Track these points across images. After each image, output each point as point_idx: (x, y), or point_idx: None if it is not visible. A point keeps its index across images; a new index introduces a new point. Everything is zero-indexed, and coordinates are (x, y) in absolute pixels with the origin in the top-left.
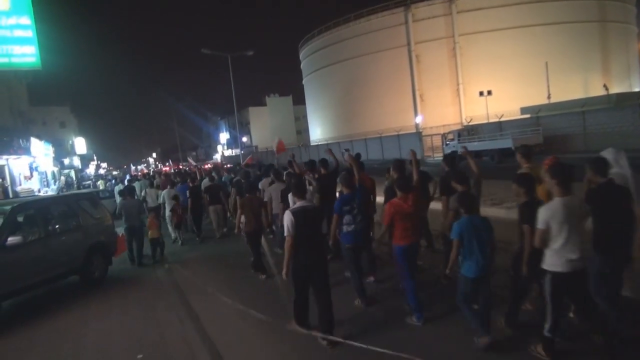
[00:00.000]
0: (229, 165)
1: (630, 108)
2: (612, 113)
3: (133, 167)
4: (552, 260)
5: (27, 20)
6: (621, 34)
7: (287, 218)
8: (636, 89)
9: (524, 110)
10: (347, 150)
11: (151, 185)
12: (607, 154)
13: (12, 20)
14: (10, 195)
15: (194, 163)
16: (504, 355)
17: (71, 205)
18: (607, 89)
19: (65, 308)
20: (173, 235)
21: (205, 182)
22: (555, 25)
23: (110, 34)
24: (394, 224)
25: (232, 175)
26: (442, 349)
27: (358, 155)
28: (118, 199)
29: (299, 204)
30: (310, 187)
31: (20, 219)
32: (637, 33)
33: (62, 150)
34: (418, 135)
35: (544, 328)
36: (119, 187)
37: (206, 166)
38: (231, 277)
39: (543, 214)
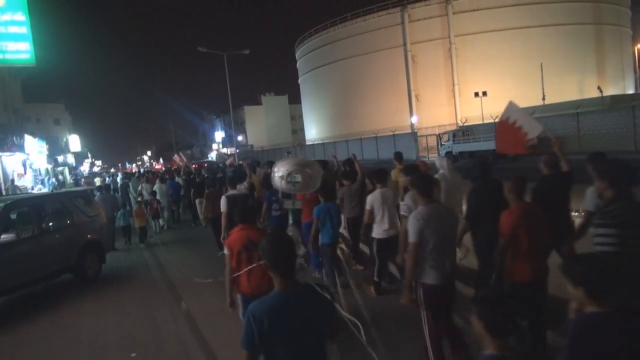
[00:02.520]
0: (205, 165)
1: (623, 110)
2: (606, 115)
3: (128, 165)
4: (376, 231)
5: (21, 16)
6: (616, 37)
7: (222, 200)
8: (630, 91)
9: None
10: (334, 156)
11: (147, 180)
12: (436, 160)
13: (6, 17)
14: (4, 193)
15: (184, 160)
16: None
17: (65, 203)
18: (601, 91)
19: (59, 306)
20: (153, 225)
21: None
22: (550, 27)
23: (105, 32)
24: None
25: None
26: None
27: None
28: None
29: (231, 191)
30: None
31: (13, 216)
32: (631, 36)
33: (56, 148)
34: (413, 135)
35: (374, 275)
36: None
37: (194, 165)
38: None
39: (370, 200)
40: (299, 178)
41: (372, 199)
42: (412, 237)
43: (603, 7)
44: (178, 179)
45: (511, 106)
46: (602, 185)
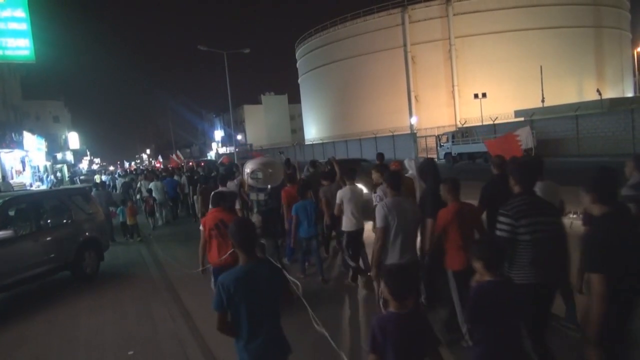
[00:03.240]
0: (202, 163)
1: (622, 113)
2: (605, 118)
3: (127, 164)
4: (345, 224)
5: (21, 12)
6: (615, 40)
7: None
8: (629, 94)
9: (517, 113)
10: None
11: (145, 178)
12: (405, 161)
13: (6, 13)
14: (2, 189)
15: (181, 158)
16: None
17: (63, 200)
18: (600, 93)
19: (57, 304)
20: (150, 222)
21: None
22: (550, 30)
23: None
24: None
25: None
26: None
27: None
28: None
29: (220, 188)
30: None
31: (11, 213)
32: (631, 39)
33: (55, 145)
34: (412, 136)
35: (349, 265)
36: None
37: (190, 163)
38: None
39: (340, 195)
40: (260, 175)
41: (342, 194)
42: (379, 223)
43: (603, 10)
44: (177, 177)
45: (524, 129)
46: (512, 182)
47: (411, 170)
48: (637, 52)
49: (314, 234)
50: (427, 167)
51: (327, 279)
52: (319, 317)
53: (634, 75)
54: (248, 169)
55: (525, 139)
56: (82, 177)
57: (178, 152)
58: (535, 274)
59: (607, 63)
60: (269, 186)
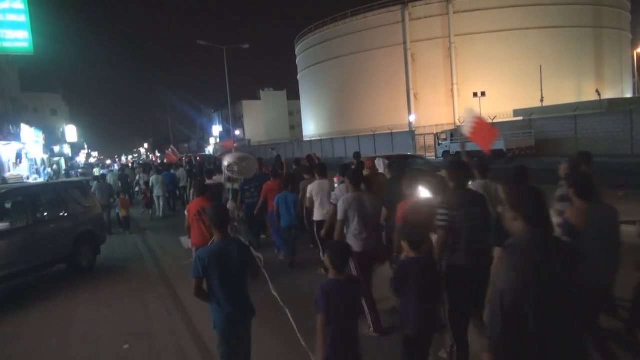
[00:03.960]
0: (198, 158)
1: (621, 114)
2: (604, 118)
3: (124, 158)
4: (315, 215)
5: (20, 4)
6: (615, 40)
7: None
8: (628, 95)
9: (516, 112)
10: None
11: (143, 171)
12: (376, 161)
13: (5, 5)
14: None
15: (177, 153)
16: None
17: (60, 193)
18: (599, 94)
19: (52, 297)
20: (148, 213)
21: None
22: (550, 29)
23: (105, 23)
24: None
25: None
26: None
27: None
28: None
29: (208, 181)
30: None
31: (7, 205)
32: (631, 40)
33: (52, 138)
34: (411, 134)
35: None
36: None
37: (185, 158)
38: None
39: (310, 188)
40: (235, 168)
41: (312, 188)
42: (339, 216)
43: (603, 10)
44: (173, 171)
45: (469, 111)
46: (447, 178)
47: (380, 169)
48: (637, 53)
49: (293, 223)
50: (394, 162)
51: (290, 259)
52: (277, 285)
53: (633, 76)
54: (225, 162)
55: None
56: (80, 171)
57: (173, 147)
58: (467, 256)
59: (607, 63)
60: (244, 178)
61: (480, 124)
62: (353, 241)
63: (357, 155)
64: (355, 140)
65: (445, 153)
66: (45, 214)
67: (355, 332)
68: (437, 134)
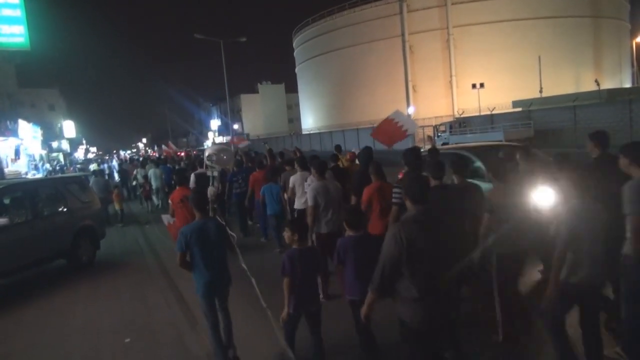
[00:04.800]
0: (195, 152)
1: (620, 104)
2: (603, 108)
3: (122, 153)
4: (296, 204)
5: None
6: (614, 30)
7: (191, 177)
8: (627, 85)
9: (515, 103)
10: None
11: (142, 165)
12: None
13: None
14: None
15: (173, 148)
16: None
17: (59, 188)
18: (598, 84)
19: (52, 291)
20: (148, 205)
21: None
22: (548, 20)
23: (102, 17)
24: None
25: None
26: None
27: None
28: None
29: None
30: None
31: (6, 200)
32: (629, 29)
33: (50, 134)
34: None
35: None
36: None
37: (180, 153)
38: None
39: (292, 180)
40: (214, 158)
41: (294, 179)
42: (310, 202)
43: (602, 0)
44: (169, 165)
45: (397, 113)
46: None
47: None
48: (635, 43)
49: (277, 211)
50: (362, 154)
51: (280, 246)
52: (247, 260)
53: (632, 66)
54: (207, 153)
55: (406, 122)
56: (78, 166)
57: (170, 143)
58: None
59: (606, 53)
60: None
61: (387, 124)
62: (323, 224)
63: (337, 148)
64: (354, 133)
65: (444, 145)
66: (44, 209)
67: (315, 291)
68: (435, 125)
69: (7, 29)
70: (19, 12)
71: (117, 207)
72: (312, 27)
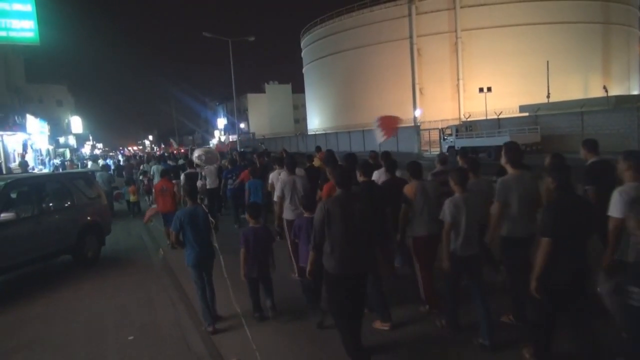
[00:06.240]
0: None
1: (628, 111)
2: (611, 115)
3: (125, 150)
4: (275, 197)
5: None
6: (623, 37)
7: (182, 176)
8: (635, 92)
9: (522, 108)
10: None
11: (147, 162)
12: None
13: None
14: (4, 172)
15: (175, 146)
16: None
17: (65, 183)
18: (606, 90)
19: (57, 287)
20: (148, 200)
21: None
22: (558, 25)
23: (111, 14)
24: None
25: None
26: None
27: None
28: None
29: (189, 170)
30: None
31: (13, 195)
32: (639, 36)
33: (58, 129)
34: (416, 129)
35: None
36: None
37: (181, 150)
38: None
39: (272, 177)
40: (203, 157)
41: (272, 177)
42: (277, 193)
43: (612, 6)
44: (170, 162)
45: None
46: (358, 174)
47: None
48: None
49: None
50: (327, 156)
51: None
52: (220, 238)
53: None
54: (196, 153)
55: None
56: (86, 162)
57: (172, 141)
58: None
59: (614, 60)
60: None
61: (385, 119)
62: (288, 212)
63: (317, 148)
64: (359, 134)
65: (450, 148)
66: (51, 204)
67: (266, 263)
68: (442, 129)
69: (17, 23)
70: (29, 7)
71: (132, 199)
72: (320, 28)
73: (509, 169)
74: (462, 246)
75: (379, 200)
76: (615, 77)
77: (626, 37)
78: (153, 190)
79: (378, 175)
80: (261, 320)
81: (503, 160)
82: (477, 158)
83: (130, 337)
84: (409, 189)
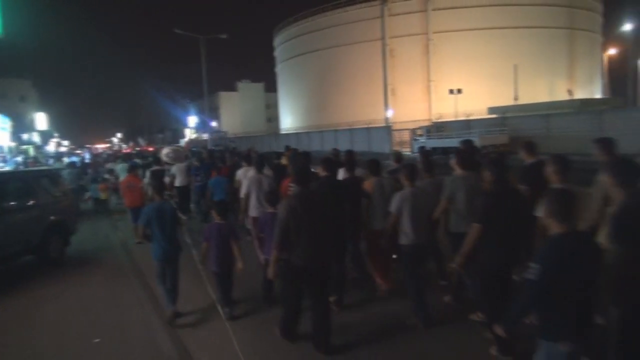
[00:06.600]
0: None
1: (592, 113)
2: (575, 117)
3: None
4: (242, 193)
5: None
6: (587, 42)
7: (148, 173)
8: (598, 96)
9: (491, 110)
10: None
11: (114, 160)
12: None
13: None
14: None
15: (142, 144)
16: None
17: (29, 181)
18: (571, 94)
19: (20, 288)
20: (113, 199)
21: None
22: (525, 29)
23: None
24: None
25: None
26: None
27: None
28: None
29: (155, 167)
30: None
31: None
32: (601, 42)
33: (21, 126)
34: (387, 129)
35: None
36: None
37: (149, 148)
38: None
39: (239, 175)
40: (171, 155)
41: (240, 174)
42: (243, 190)
43: (576, 12)
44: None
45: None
46: (321, 169)
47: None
48: (606, 55)
49: (221, 199)
50: (291, 155)
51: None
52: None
53: (603, 78)
54: (164, 151)
55: None
56: (50, 161)
57: (139, 139)
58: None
59: (579, 64)
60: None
61: None
62: (253, 209)
63: (286, 147)
64: (332, 134)
65: (421, 149)
66: (13, 202)
67: (229, 256)
68: (413, 129)
69: None
70: None
71: (102, 196)
72: (294, 27)
73: (458, 170)
74: (408, 235)
75: (339, 195)
76: (579, 81)
77: (590, 42)
78: (120, 187)
79: (339, 174)
80: (229, 316)
81: (453, 162)
82: (432, 159)
83: (96, 340)
84: (368, 185)
